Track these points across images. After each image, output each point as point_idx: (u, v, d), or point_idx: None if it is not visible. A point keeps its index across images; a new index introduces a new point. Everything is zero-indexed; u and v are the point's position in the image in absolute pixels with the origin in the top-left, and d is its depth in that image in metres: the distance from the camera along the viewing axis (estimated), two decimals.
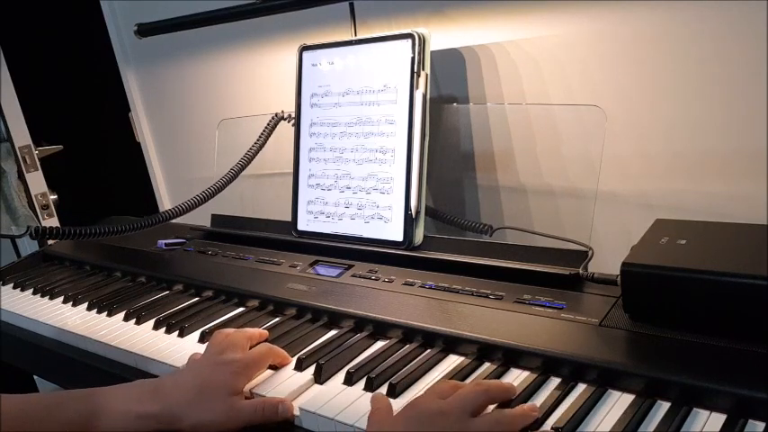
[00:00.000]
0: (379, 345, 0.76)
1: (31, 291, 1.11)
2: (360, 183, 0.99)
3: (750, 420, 0.54)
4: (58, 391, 0.69)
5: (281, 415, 0.66)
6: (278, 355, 0.74)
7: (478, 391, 0.59)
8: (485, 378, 0.65)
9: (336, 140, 1.02)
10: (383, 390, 0.66)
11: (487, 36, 0.99)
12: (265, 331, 0.80)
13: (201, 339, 0.83)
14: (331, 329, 0.82)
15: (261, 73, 1.32)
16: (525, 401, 0.61)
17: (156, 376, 0.78)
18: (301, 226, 1.06)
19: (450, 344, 0.72)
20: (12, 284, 1.16)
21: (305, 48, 1.06)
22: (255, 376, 0.72)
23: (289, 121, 1.12)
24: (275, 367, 0.74)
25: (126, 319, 0.93)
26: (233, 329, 0.77)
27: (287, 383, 0.70)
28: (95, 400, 0.67)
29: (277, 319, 0.87)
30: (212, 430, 0.65)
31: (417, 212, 0.92)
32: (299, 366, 0.73)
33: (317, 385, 0.70)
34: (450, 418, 0.55)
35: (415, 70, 0.92)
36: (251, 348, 0.74)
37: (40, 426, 0.64)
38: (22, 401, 0.65)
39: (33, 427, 0.64)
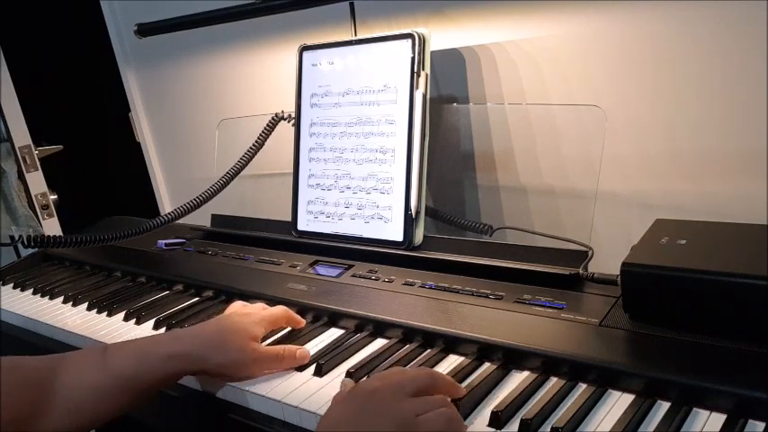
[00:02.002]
0: (380, 344, 0.76)
1: (31, 291, 1.11)
2: (360, 183, 0.99)
3: (750, 420, 0.54)
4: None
5: (299, 359, 0.74)
6: (292, 318, 0.82)
7: (420, 375, 0.59)
8: (486, 377, 0.65)
9: (336, 140, 1.02)
10: None
11: (487, 36, 0.99)
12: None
13: None
14: (331, 329, 0.82)
15: (261, 73, 1.32)
16: (525, 401, 0.61)
17: None
18: (301, 226, 1.06)
19: (451, 344, 0.72)
20: (12, 284, 1.16)
21: (305, 48, 1.06)
22: (270, 332, 0.79)
23: (289, 121, 1.12)
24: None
25: (126, 319, 0.93)
26: None
27: (287, 383, 0.70)
28: (128, 347, 0.71)
29: None
30: (234, 370, 0.72)
31: (417, 212, 0.92)
32: (300, 366, 0.73)
33: (316, 385, 0.70)
34: (386, 396, 0.56)
35: (415, 70, 0.92)
36: None
37: (90, 377, 0.68)
38: (48, 360, 0.69)
39: (73, 378, 0.67)
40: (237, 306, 0.84)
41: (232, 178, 1.13)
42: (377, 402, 0.55)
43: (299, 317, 0.83)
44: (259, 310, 0.81)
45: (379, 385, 0.57)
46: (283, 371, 0.73)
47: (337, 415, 0.56)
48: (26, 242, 0.96)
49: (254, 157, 1.14)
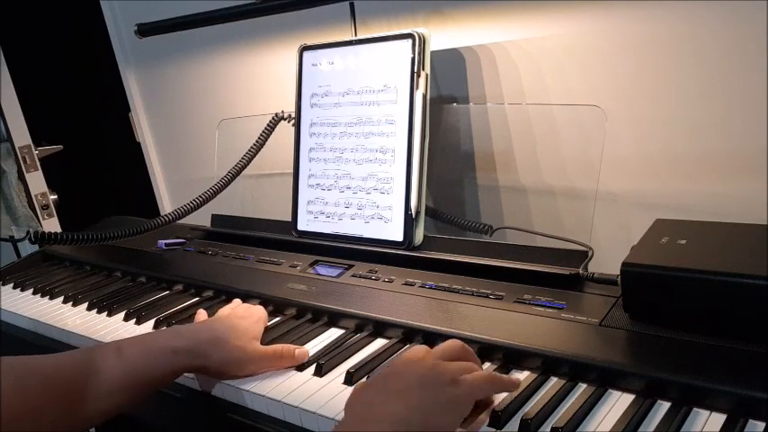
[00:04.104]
0: (380, 344, 0.76)
1: (31, 291, 1.11)
2: (360, 183, 0.99)
3: (750, 420, 0.54)
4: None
5: (297, 358, 0.74)
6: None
7: (453, 344, 0.64)
8: None
9: (336, 140, 1.02)
10: None
11: (487, 36, 0.99)
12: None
13: None
14: (331, 329, 0.82)
15: (261, 73, 1.32)
16: (525, 401, 0.61)
17: None
18: (301, 226, 1.06)
19: None
20: (12, 284, 1.16)
21: (305, 48, 1.06)
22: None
23: (289, 121, 1.12)
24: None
25: (126, 319, 0.93)
26: None
27: (287, 383, 0.70)
28: (137, 341, 0.73)
29: (277, 318, 0.87)
30: (235, 368, 0.73)
31: (417, 212, 0.92)
32: (300, 366, 0.73)
33: (316, 385, 0.70)
34: (428, 362, 0.59)
35: (415, 70, 0.92)
36: None
37: (108, 372, 0.68)
38: (65, 357, 0.70)
39: (89, 372, 0.68)
40: (233, 306, 0.85)
41: (233, 179, 1.13)
42: (418, 368, 0.58)
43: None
44: (258, 310, 0.83)
45: (413, 356, 0.60)
46: (283, 369, 0.74)
47: (378, 390, 0.57)
48: (32, 239, 0.97)
49: (254, 157, 1.14)
